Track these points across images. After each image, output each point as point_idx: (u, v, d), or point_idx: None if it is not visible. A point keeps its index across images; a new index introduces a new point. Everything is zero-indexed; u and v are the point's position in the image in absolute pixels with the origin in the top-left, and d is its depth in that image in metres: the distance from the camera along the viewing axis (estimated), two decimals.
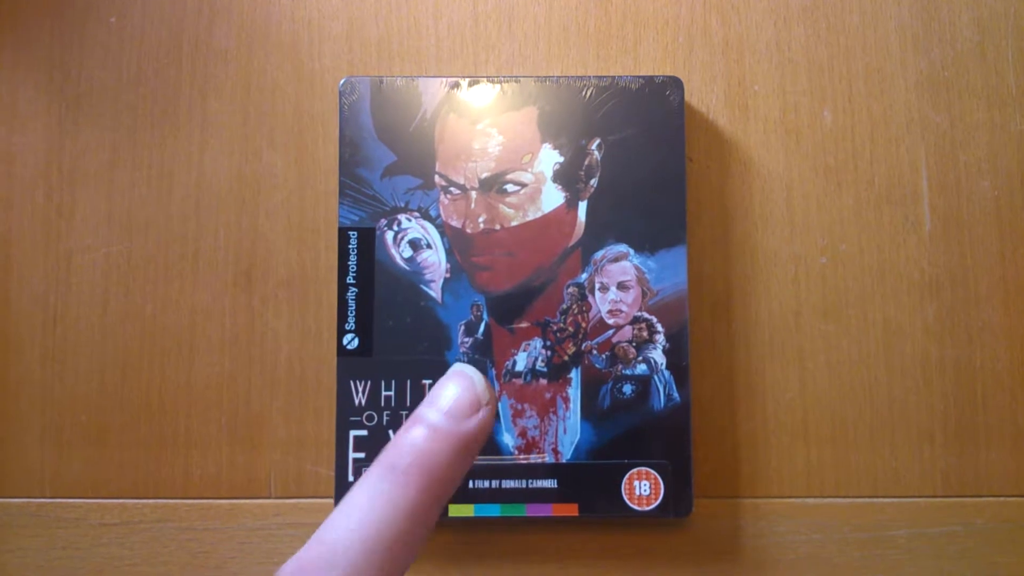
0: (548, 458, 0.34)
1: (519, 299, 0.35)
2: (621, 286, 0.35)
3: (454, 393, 0.24)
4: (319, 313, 0.36)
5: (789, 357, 0.36)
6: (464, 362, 0.34)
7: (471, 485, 0.34)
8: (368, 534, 0.21)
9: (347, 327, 0.34)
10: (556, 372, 0.34)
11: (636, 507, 0.34)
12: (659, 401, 0.34)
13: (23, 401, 0.36)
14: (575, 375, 0.34)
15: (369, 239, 0.35)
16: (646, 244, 0.35)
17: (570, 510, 0.34)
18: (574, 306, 0.35)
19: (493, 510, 0.34)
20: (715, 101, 0.37)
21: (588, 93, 0.35)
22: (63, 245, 0.37)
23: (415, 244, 0.35)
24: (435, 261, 0.35)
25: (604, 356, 0.34)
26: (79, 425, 0.36)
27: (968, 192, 0.37)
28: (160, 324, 0.36)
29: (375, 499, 0.22)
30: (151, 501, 0.36)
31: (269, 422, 0.36)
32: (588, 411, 0.34)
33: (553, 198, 0.35)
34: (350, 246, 0.35)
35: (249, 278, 0.36)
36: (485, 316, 0.35)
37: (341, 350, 0.34)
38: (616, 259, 0.35)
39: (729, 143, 0.37)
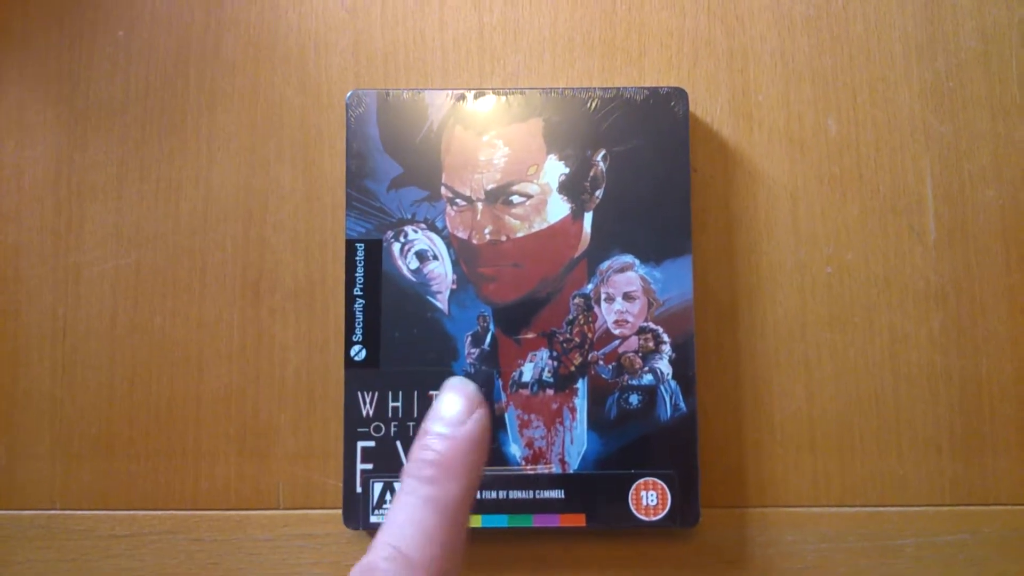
0: (555, 468, 0.34)
1: (525, 310, 0.35)
2: (627, 296, 0.35)
3: (450, 403, 0.28)
4: (326, 325, 0.36)
5: (795, 366, 0.36)
6: (471, 373, 0.34)
7: (478, 496, 0.34)
8: (417, 538, 0.24)
9: (354, 338, 0.35)
10: (562, 383, 0.34)
11: (643, 517, 0.34)
12: (666, 411, 0.34)
13: (32, 413, 0.36)
14: (581, 385, 0.34)
15: (376, 251, 0.35)
16: (651, 254, 0.35)
17: (577, 520, 0.34)
18: (580, 317, 0.35)
19: (500, 521, 0.34)
20: (719, 111, 0.37)
21: (593, 104, 0.35)
22: (72, 258, 0.37)
23: (422, 255, 0.35)
24: (441, 272, 0.35)
25: (610, 366, 0.34)
26: (88, 437, 0.36)
27: (973, 201, 0.37)
28: (168, 336, 0.37)
29: (413, 508, 0.25)
30: (160, 512, 0.36)
31: (277, 433, 0.36)
32: (595, 421, 0.34)
33: (559, 209, 0.35)
34: (357, 258, 0.35)
35: (257, 290, 0.37)
36: (491, 327, 0.35)
37: (348, 361, 0.34)
38: (622, 269, 0.35)
39: (734, 153, 0.37)
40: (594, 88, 0.36)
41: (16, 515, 0.36)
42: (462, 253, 0.35)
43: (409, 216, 0.35)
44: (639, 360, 0.35)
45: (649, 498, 0.34)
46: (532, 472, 0.34)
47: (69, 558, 0.35)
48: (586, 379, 0.34)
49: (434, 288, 0.35)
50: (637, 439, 0.34)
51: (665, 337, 0.35)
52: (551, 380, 0.34)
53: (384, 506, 0.34)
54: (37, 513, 0.36)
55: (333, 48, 0.38)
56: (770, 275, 0.37)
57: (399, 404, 0.34)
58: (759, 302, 0.36)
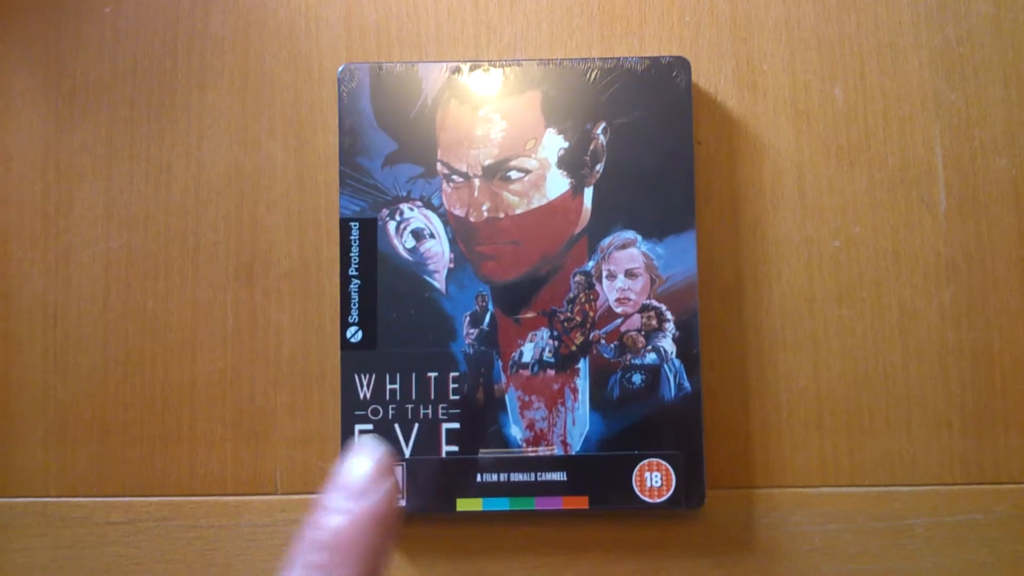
0: (557, 450, 0.33)
1: (525, 288, 0.34)
2: (629, 274, 0.34)
3: (355, 469, 0.24)
4: (322, 306, 0.36)
5: (802, 343, 0.35)
6: (470, 354, 0.34)
7: (479, 479, 0.33)
8: None
9: (350, 320, 0.34)
10: (564, 363, 0.34)
11: (647, 499, 0.33)
12: (669, 391, 0.33)
13: (25, 400, 0.36)
14: (583, 365, 0.34)
15: (371, 230, 0.34)
16: (654, 230, 0.34)
17: (580, 503, 0.33)
18: (581, 295, 0.34)
19: (502, 504, 0.33)
20: (723, 81, 0.36)
21: (593, 76, 0.34)
22: (62, 241, 0.36)
23: (418, 234, 0.34)
24: (438, 251, 0.34)
25: (613, 346, 0.34)
26: (82, 423, 0.35)
27: (984, 171, 0.36)
28: (161, 320, 0.36)
29: None
30: (156, 499, 0.35)
31: (274, 417, 0.35)
32: (597, 402, 0.33)
33: (558, 184, 0.34)
34: (352, 237, 0.34)
35: (250, 271, 0.36)
36: (490, 306, 0.34)
37: (345, 343, 0.34)
38: (624, 246, 0.34)
39: (738, 124, 0.36)
40: (593, 59, 0.35)
41: (10, 503, 0.35)
42: (459, 231, 0.34)
43: (404, 194, 0.34)
44: (642, 339, 0.34)
45: (653, 479, 0.33)
46: (534, 454, 0.33)
47: (65, 545, 0.35)
48: (588, 359, 0.34)
49: (431, 267, 0.34)
50: (640, 419, 0.33)
51: (668, 315, 0.34)
52: (552, 360, 0.34)
53: None
54: (31, 500, 0.35)
55: (324, 21, 0.37)
56: (776, 250, 0.36)
57: (397, 386, 0.34)
58: (765, 278, 0.36)
